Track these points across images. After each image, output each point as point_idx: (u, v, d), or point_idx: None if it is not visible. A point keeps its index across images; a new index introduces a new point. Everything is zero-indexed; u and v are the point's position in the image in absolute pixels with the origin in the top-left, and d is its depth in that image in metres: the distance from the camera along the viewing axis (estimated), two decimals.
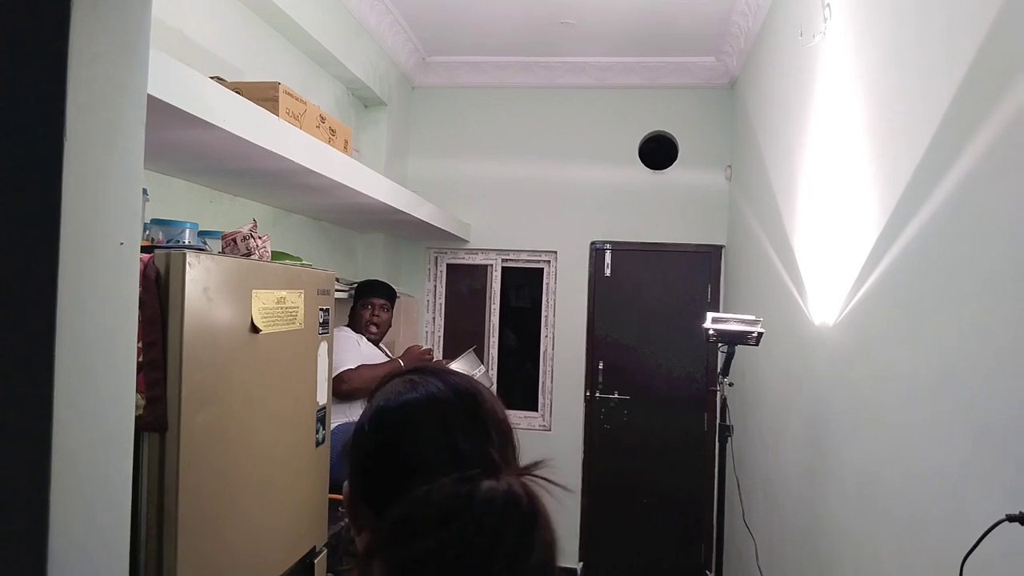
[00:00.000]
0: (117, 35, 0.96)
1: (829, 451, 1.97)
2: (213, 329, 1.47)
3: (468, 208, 4.32)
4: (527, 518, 0.62)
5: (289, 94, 2.05)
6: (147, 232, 1.69)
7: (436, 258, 4.50)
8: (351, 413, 2.82)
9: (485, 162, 4.35)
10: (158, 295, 1.35)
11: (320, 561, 2.00)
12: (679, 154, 4.19)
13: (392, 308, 3.33)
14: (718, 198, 4.13)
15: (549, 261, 4.38)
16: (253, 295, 1.61)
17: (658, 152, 4.23)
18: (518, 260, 4.43)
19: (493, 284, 4.44)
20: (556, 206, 4.28)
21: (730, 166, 4.06)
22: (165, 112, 1.46)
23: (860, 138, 1.83)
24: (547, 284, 4.38)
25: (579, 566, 4.15)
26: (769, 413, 2.80)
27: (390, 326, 3.36)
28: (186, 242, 1.70)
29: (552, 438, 4.24)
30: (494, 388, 3.94)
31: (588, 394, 4.25)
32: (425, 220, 3.36)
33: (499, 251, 4.41)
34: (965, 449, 1.22)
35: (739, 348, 2.39)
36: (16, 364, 0.85)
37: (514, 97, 4.33)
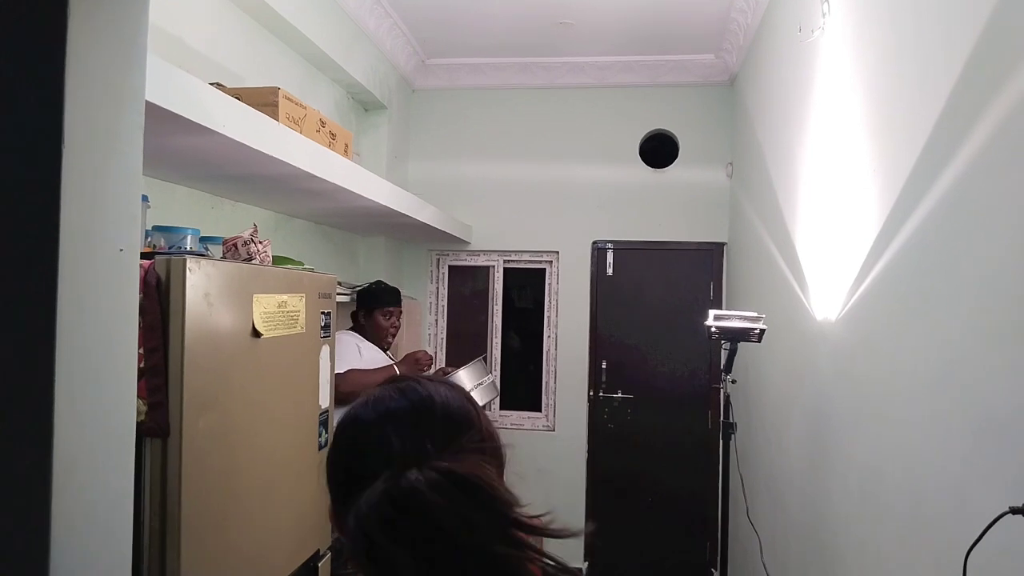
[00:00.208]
0: (114, 40, 0.96)
1: (832, 447, 1.96)
2: (214, 334, 1.47)
3: (469, 210, 4.32)
4: (460, 494, 0.63)
5: (289, 99, 2.05)
6: (148, 239, 1.69)
7: (438, 260, 4.51)
8: None
9: (486, 163, 4.35)
10: (159, 301, 1.36)
11: (324, 565, 2.00)
12: (680, 152, 4.19)
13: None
14: (719, 195, 4.12)
15: (551, 261, 4.38)
16: (254, 300, 1.62)
17: (659, 151, 4.23)
18: (520, 261, 4.43)
19: (495, 285, 4.44)
20: (557, 206, 4.28)
21: (731, 163, 4.06)
22: (165, 118, 1.46)
23: (860, 133, 1.83)
24: (549, 284, 4.38)
25: (584, 565, 4.15)
26: (772, 410, 2.80)
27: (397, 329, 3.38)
28: (188, 248, 1.70)
29: (556, 438, 4.24)
30: (498, 396, 3.94)
31: (591, 393, 4.25)
32: (426, 222, 3.37)
33: (501, 252, 4.41)
34: (967, 443, 1.22)
35: (742, 345, 2.39)
36: (17, 370, 0.85)
37: (514, 98, 4.33)
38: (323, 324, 2.01)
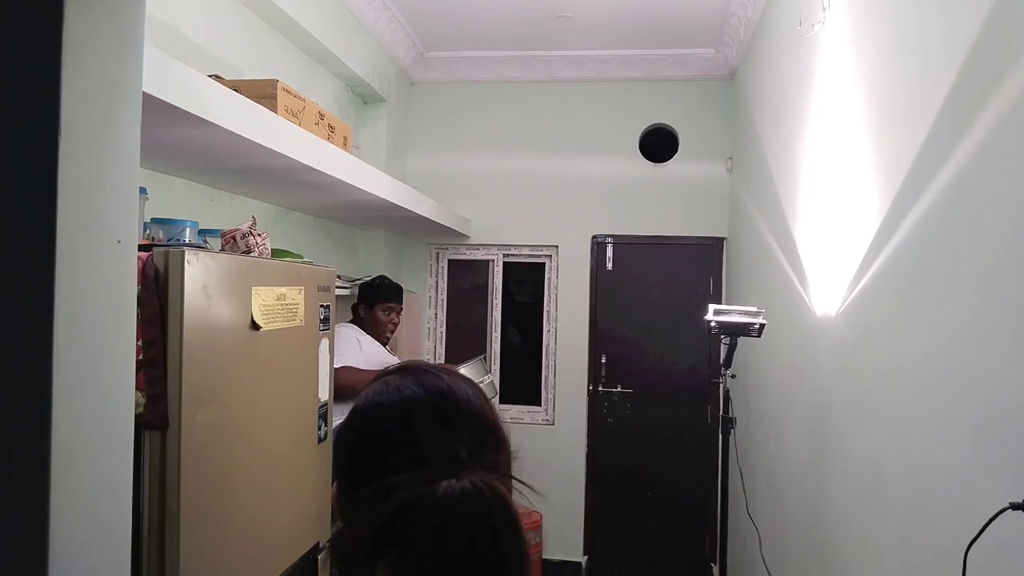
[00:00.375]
0: (111, 30, 0.95)
1: (832, 442, 1.97)
2: (213, 326, 1.47)
3: (468, 203, 4.31)
4: (487, 517, 0.63)
5: (287, 91, 2.04)
6: (147, 231, 1.69)
7: (437, 254, 4.50)
8: (344, 412, 2.83)
9: (485, 157, 4.34)
10: (157, 293, 1.35)
11: (323, 558, 2.00)
12: (680, 146, 4.18)
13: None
14: (719, 190, 4.12)
15: (551, 255, 4.37)
16: (253, 292, 1.61)
17: (659, 145, 4.22)
18: (519, 255, 4.43)
19: (495, 279, 4.44)
20: (557, 200, 4.27)
21: (731, 158, 4.05)
22: (163, 110, 1.46)
23: (860, 127, 1.83)
24: (549, 278, 4.37)
25: (584, 559, 4.16)
26: (772, 404, 2.80)
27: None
28: (186, 240, 1.70)
29: (555, 432, 4.25)
30: (497, 396, 3.94)
31: (591, 388, 4.25)
32: (426, 216, 3.36)
33: (500, 246, 4.41)
34: (967, 438, 1.22)
35: (741, 340, 2.39)
36: (14, 363, 0.85)
37: (513, 91, 4.32)
38: (322, 317, 2.00)
